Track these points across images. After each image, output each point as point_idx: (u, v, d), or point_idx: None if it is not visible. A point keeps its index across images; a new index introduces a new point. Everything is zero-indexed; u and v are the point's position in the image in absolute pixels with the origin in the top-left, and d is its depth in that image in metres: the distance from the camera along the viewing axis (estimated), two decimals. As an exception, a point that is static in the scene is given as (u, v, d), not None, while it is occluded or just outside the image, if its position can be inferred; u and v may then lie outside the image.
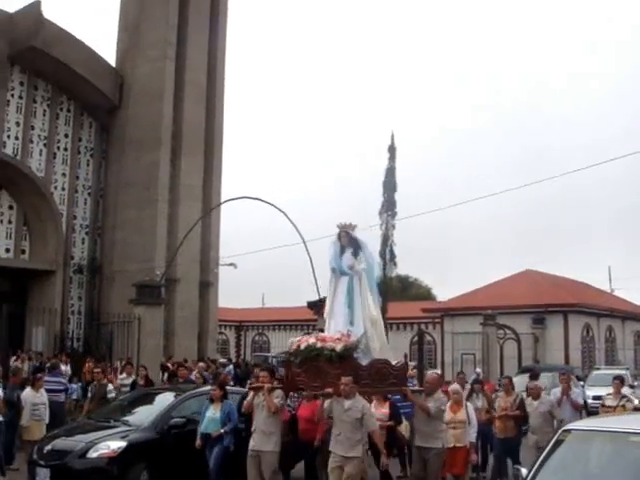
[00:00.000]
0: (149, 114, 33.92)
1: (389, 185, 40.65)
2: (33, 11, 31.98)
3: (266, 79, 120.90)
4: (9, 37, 31.91)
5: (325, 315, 11.83)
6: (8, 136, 32.44)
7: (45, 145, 33.85)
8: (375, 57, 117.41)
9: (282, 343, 39.35)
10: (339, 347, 10.36)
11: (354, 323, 11.08)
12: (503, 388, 14.15)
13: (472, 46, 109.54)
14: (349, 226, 11.75)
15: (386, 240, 40.24)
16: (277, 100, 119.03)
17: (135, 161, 33.81)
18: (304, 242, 28.34)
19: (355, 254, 11.50)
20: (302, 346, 10.78)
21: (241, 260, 36.84)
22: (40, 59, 32.30)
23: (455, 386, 13.05)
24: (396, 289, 57.85)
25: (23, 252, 33.22)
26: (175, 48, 34.82)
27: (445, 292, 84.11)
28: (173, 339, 32.81)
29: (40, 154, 33.67)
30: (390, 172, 40.84)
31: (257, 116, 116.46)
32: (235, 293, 57.40)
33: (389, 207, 40.46)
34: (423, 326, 43.82)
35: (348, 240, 11.56)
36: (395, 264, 41.11)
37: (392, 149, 41.22)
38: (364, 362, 10.74)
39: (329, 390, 10.20)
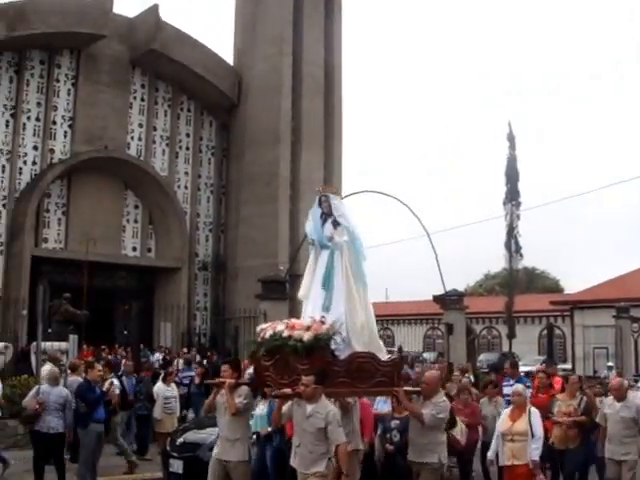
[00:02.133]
0: (268, 110, 34.01)
1: (511, 174, 39.58)
2: (151, 15, 32.69)
3: (381, 69, 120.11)
4: (130, 42, 32.78)
5: (300, 296, 9.57)
6: (132, 137, 33.26)
7: (167, 145, 34.56)
8: (492, 44, 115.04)
9: (408, 338, 38.88)
10: (307, 337, 8.36)
11: (330, 308, 8.95)
12: (568, 388, 11.93)
13: (595, 31, 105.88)
14: (329, 189, 9.89)
15: (511, 231, 39.19)
16: (393, 90, 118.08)
17: (255, 158, 33.98)
18: (428, 235, 27.83)
19: (336, 224, 9.34)
20: (267, 334, 8.88)
21: (366, 254, 36.55)
22: (160, 61, 32.95)
23: (518, 387, 10.29)
24: (522, 282, 56.33)
25: (149, 250, 33.96)
26: (291, 43, 34.77)
27: (574, 284, 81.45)
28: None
29: (163, 154, 34.39)
30: (511, 161, 39.78)
31: (374, 107, 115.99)
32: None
33: (513, 197, 39.37)
34: (552, 319, 42.47)
35: (329, 207, 9.43)
36: (521, 255, 39.99)
37: (511, 137, 40.21)
38: (343, 356, 8.74)
39: (286, 391, 8.36)
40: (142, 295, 33.35)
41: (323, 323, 8.58)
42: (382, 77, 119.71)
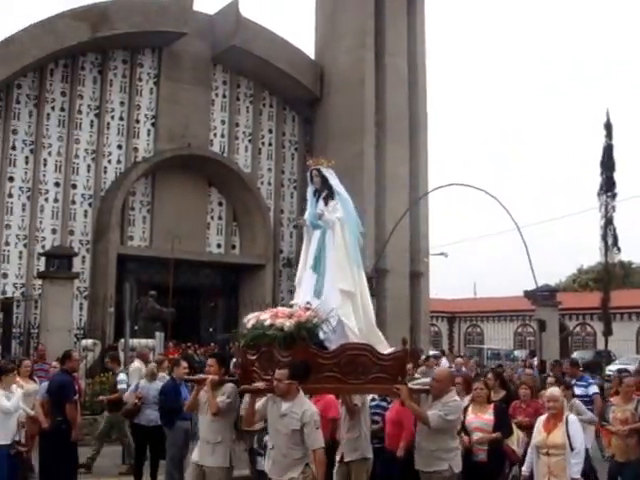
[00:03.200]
0: (351, 104, 33.50)
1: (607, 164, 38.32)
2: (231, 11, 32.60)
3: (467, 59, 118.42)
4: (210, 39, 32.80)
5: (296, 283, 8.83)
6: (215, 134, 33.29)
7: (250, 141, 34.42)
8: (588, 32, 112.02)
9: (497, 335, 37.95)
10: (288, 325, 7.51)
11: (322, 293, 8.13)
12: (622, 391, 10.73)
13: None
14: (321, 162, 8.78)
15: (607, 223, 37.93)
16: (479, 80, 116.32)
17: (339, 152, 33.41)
18: (518, 228, 27.10)
19: (328, 199, 8.45)
20: (250, 324, 8.04)
21: (451, 249, 35.91)
22: (241, 57, 32.84)
23: (554, 390, 8.62)
24: (618, 276, 54.57)
25: (233, 247, 33.84)
26: (373, 36, 34.18)
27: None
28: (384, 331, 32.01)
29: (246, 150, 34.28)
30: (608, 150, 38.49)
31: (460, 98, 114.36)
32: (446, 283, 56.37)
33: (608, 188, 38.09)
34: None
35: (320, 182, 8.56)
36: (619, 249, 38.65)
37: (608, 126, 38.91)
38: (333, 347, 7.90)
39: (259, 385, 7.64)
40: (227, 292, 33.35)
41: (308, 309, 7.79)
42: (468, 59, 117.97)
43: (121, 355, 18.61)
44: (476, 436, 8.88)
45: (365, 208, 32.42)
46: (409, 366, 10.71)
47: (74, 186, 30.20)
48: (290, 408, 7.15)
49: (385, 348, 8.40)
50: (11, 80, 29.16)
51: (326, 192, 8.62)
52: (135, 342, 21.66)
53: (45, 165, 29.79)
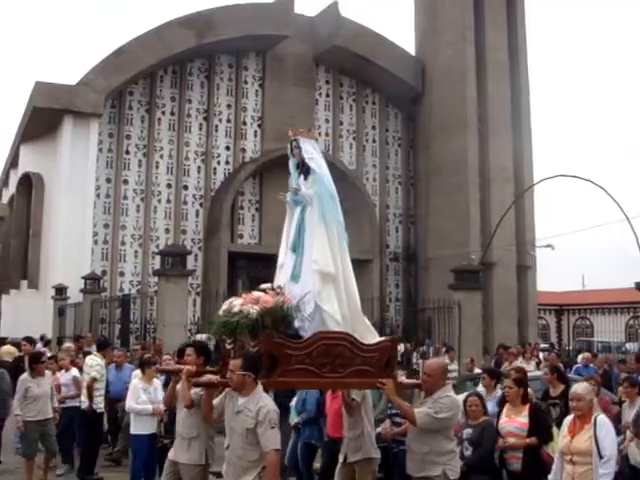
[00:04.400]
0: (453, 98, 33.52)
1: None
2: (332, 12, 33.16)
3: (569, 48, 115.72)
4: (312, 40, 33.38)
5: (278, 265, 7.85)
6: (319, 133, 33.72)
7: (354, 139, 34.92)
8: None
9: (607, 327, 37.13)
10: (252, 311, 6.73)
11: (300, 277, 7.29)
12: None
13: None
14: (300, 132, 7.98)
15: None
16: (582, 69, 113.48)
17: (443, 147, 33.60)
18: (628, 219, 26.61)
19: (307, 173, 7.70)
20: (221, 310, 7.21)
21: (558, 241, 35.41)
22: (342, 57, 33.32)
23: (579, 387, 7.07)
24: None
25: (343, 243, 34.22)
26: (473, 29, 34.13)
27: None
28: (492, 325, 32.01)
29: (350, 148, 34.80)
30: None
31: (562, 86, 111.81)
32: (554, 276, 55.32)
33: None
34: None
35: (300, 153, 7.78)
36: None
37: None
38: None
39: (211, 378, 6.99)
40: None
41: (278, 294, 6.99)
42: (570, 48, 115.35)
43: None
44: (509, 442, 7.79)
45: (469, 202, 32.48)
46: (488, 381, 9.71)
47: (185, 187, 31.34)
48: (245, 404, 6.32)
49: (374, 338, 7.42)
50: (123, 87, 30.44)
51: (306, 165, 7.80)
52: (247, 335, 22.22)
53: (157, 168, 31.00)
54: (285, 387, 7.66)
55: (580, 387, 7.02)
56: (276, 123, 32.37)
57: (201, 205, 31.41)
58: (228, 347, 7.08)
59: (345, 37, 32.73)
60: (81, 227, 28.29)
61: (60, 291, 27.61)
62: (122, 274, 29.96)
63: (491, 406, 8.88)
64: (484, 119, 33.83)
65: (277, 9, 31.79)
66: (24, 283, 31.39)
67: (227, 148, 32.20)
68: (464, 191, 32.81)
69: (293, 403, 10.22)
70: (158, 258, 27.10)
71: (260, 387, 6.42)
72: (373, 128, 35.51)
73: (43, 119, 29.67)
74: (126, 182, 30.58)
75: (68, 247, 27.97)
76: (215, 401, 6.92)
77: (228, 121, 32.40)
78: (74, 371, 12.37)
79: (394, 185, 35.78)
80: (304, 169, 7.81)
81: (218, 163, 31.96)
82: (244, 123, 32.68)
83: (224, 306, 7.12)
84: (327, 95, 34.48)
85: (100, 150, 30.01)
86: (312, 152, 7.86)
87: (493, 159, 33.54)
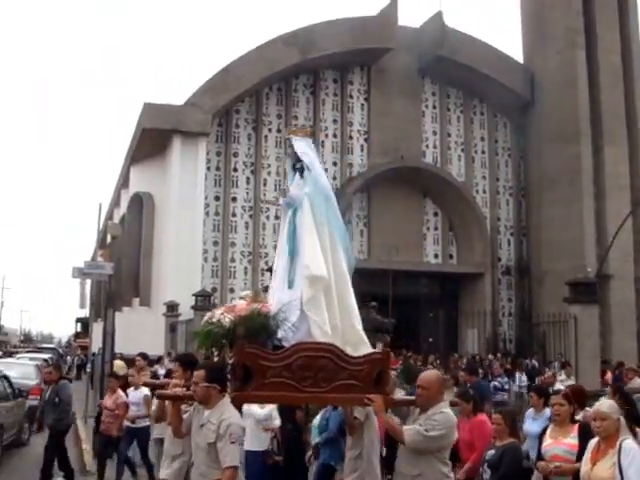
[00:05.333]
0: (564, 106, 32.47)
1: None
2: (436, 22, 32.78)
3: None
4: (417, 51, 33.02)
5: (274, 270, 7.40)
6: (427, 146, 33.41)
7: (463, 150, 34.29)
8: None
9: None
10: (226, 320, 6.35)
11: (294, 284, 6.79)
12: None
13: None
14: (293, 131, 7.60)
15: None
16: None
17: (554, 156, 32.57)
18: None
19: (301, 172, 7.19)
20: (204, 319, 6.76)
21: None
22: (448, 67, 32.79)
23: (602, 405, 6.02)
24: None
25: (451, 257, 33.73)
26: (583, 33, 33.06)
27: None
28: (610, 339, 30.74)
29: (459, 160, 34.18)
30: None
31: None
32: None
33: None
34: None
35: (293, 153, 7.42)
36: None
37: None
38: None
39: (176, 390, 6.62)
40: (446, 302, 33.15)
41: (256, 302, 6.53)
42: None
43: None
44: (556, 467, 6.75)
45: (584, 212, 31.42)
46: (536, 400, 8.88)
47: (293, 204, 31.21)
48: (208, 417, 5.97)
49: (366, 350, 6.79)
50: (230, 106, 30.68)
51: (300, 164, 7.31)
52: (360, 353, 21.82)
53: (265, 184, 31.01)
54: (258, 402, 7.13)
55: (605, 404, 6.04)
56: (383, 137, 32.17)
57: (301, 221, 31.25)
58: (215, 359, 6.71)
59: (450, 47, 32.19)
60: (191, 245, 28.54)
61: (171, 308, 27.93)
62: (232, 290, 30.00)
63: (537, 426, 8.19)
64: (597, 126, 32.66)
65: (380, 22, 31.61)
66: (136, 301, 31.86)
67: (334, 163, 32.01)
68: (578, 201, 31.69)
69: (316, 422, 9.59)
70: (267, 274, 27.13)
71: (226, 399, 6.05)
72: (482, 139, 34.78)
73: (152, 140, 30.13)
74: (234, 199, 30.73)
75: (179, 264, 28.24)
76: (185, 415, 6.46)
77: (334, 136, 32.29)
78: (144, 389, 11.80)
79: (505, 197, 34.90)
80: (299, 168, 7.29)
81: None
82: (350, 137, 32.48)
83: (206, 316, 6.71)
84: (434, 107, 33.99)
85: (208, 168, 30.29)
86: (305, 149, 7.34)
87: (608, 167, 32.35)
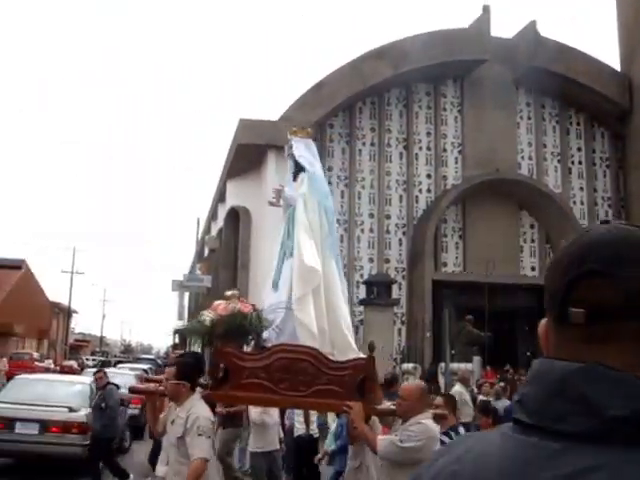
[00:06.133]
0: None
1: None
2: (530, 32, 32.35)
3: None
4: (511, 62, 32.62)
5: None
6: (522, 157, 33.00)
7: (559, 161, 33.69)
8: None
9: None
10: (207, 319, 6.61)
11: (279, 284, 6.87)
12: None
13: None
14: (293, 131, 7.24)
15: None
16: None
17: (655, 166, 31.78)
18: None
19: (297, 174, 7.08)
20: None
21: None
22: (543, 77, 32.16)
23: None
24: None
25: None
26: (684, 37, 32.21)
27: None
28: None
29: (555, 171, 33.60)
30: None
31: None
32: None
33: None
34: None
35: (291, 155, 7.26)
36: None
37: None
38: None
39: (149, 386, 6.59)
40: (543, 315, 32.46)
41: (238, 301, 6.38)
42: None
43: (441, 379, 18.72)
44: None
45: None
46: None
47: (388, 216, 31.32)
48: (178, 412, 6.00)
49: (353, 355, 6.82)
50: (323, 121, 30.91)
51: (298, 165, 7.11)
52: (455, 366, 21.73)
53: (359, 198, 31.18)
54: (233, 402, 6.97)
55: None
56: (477, 149, 31.95)
57: (404, 234, 31.29)
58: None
59: (545, 56, 31.70)
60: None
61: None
62: (328, 303, 30.22)
63: None
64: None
65: (473, 33, 31.44)
66: (234, 313, 32.24)
67: (428, 176, 31.95)
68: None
69: (332, 429, 9.51)
70: (362, 287, 27.15)
71: (196, 395, 6.06)
72: (578, 149, 34.09)
73: (247, 155, 30.60)
74: (329, 213, 30.91)
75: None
76: (162, 414, 6.46)
77: (428, 149, 32.21)
78: None
79: (603, 208, 34.10)
80: (296, 169, 7.19)
81: (420, 191, 31.77)
82: (444, 150, 32.37)
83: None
84: (528, 118, 33.55)
85: (303, 182, 30.54)
86: (303, 151, 7.50)
87: None
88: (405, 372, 23.48)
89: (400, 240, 31.25)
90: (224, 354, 6.22)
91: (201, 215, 44.68)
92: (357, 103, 31.85)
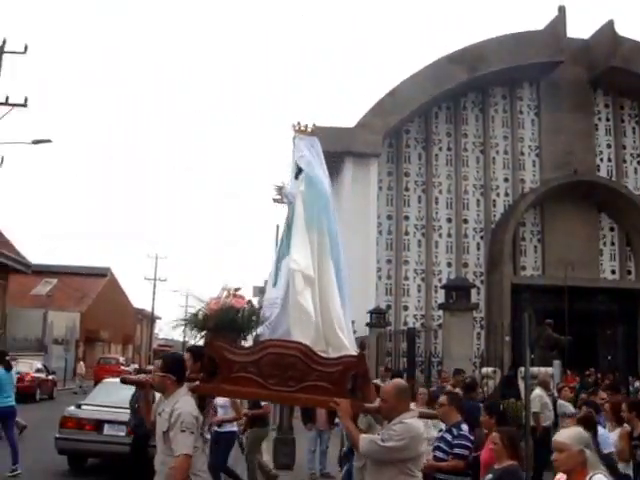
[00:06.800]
0: None
1: None
2: (607, 31, 32.07)
3: None
4: (587, 62, 32.51)
5: None
6: (601, 159, 32.73)
7: (639, 163, 33.18)
8: None
9: None
10: (200, 313, 6.40)
11: (277, 283, 6.77)
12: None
13: None
14: (298, 130, 7.16)
15: None
16: None
17: None
18: None
19: (298, 172, 7.00)
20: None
21: None
22: (621, 77, 31.93)
23: (562, 434, 4.89)
24: None
25: (629, 273, 32.69)
26: None
27: None
28: None
29: (635, 172, 33.24)
30: None
31: None
32: None
33: None
34: None
35: (293, 152, 7.23)
36: None
37: None
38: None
39: (140, 377, 6.60)
40: (625, 319, 32.09)
41: (235, 297, 6.43)
42: None
43: (520, 383, 18.72)
44: None
45: None
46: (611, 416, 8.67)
47: (465, 221, 31.43)
48: (164, 406, 6.04)
49: (341, 351, 6.51)
50: (399, 127, 31.22)
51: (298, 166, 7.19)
52: (535, 370, 21.65)
53: (437, 203, 31.39)
54: (223, 395, 6.95)
55: (564, 433, 4.93)
56: (555, 151, 31.82)
57: (482, 238, 31.35)
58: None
59: (623, 56, 31.40)
60: (365, 263, 29.03)
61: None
62: (406, 308, 30.46)
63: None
64: None
65: (549, 35, 31.36)
66: (311, 319, 32.69)
67: (505, 179, 31.95)
68: None
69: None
70: (440, 292, 27.30)
71: (183, 389, 6.10)
72: (662, 150, 33.60)
73: (325, 161, 30.94)
74: (407, 218, 31.23)
75: (353, 283, 28.62)
76: (155, 404, 6.43)
77: (505, 152, 32.20)
78: None
79: (684, 210, 33.50)
80: (298, 168, 7.18)
81: (497, 195, 31.78)
82: (522, 153, 32.30)
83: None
84: (607, 119, 33.20)
85: (380, 188, 30.92)
86: (303, 150, 7.21)
87: None
88: (485, 376, 23.45)
89: (478, 244, 31.32)
90: (215, 348, 6.21)
91: (280, 221, 45.23)
92: (433, 108, 32.05)
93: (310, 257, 6.68)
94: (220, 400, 11.08)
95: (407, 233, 31.17)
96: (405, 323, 30.19)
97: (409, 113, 30.75)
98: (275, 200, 7.29)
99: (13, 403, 14.04)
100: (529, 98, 32.89)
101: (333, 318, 6.72)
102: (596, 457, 4.76)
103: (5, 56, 35.51)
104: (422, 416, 6.26)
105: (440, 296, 27.81)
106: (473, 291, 28.75)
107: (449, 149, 31.95)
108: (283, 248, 6.96)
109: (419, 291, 30.93)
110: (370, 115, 30.12)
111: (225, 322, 6.33)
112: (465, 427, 7.91)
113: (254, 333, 6.50)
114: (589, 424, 6.57)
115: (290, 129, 7.27)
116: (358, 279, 28.73)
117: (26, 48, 36.06)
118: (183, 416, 5.82)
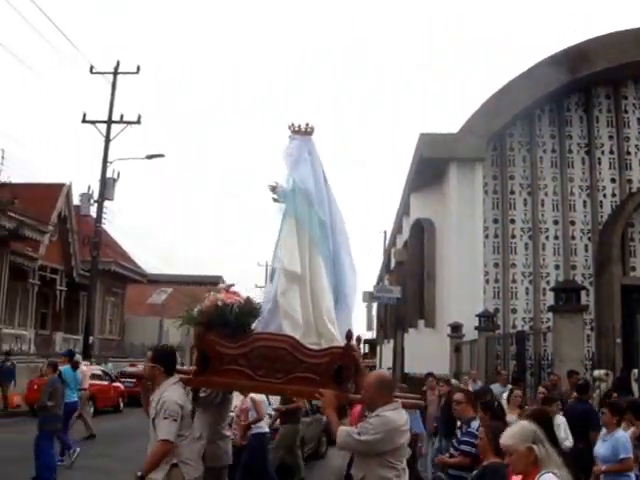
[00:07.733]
0: None
1: None
2: None
3: None
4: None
5: None
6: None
7: None
8: None
9: None
10: (196, 310, 6.63)
11: (274, 278, 6.95)
12: None
13: None
14: (294, 129, 7.31)
15: None
16: None
17: None
18: None
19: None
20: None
21: None
22: None
23: (511, 431, 4.85)
24: None
25: None
26: None
27: None
28: None
29: None
30: None
31: None
32: None
33: None
34: None
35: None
36: None
37: None
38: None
39: (139, 369, 6.99)
40: None
41: (227, 292, 6.73)
42: None
43: (634, 385, 18.77)
44: None
45: None
46: (608, 418, 8.88)
47: (572, 222, 31.33)
48: (153, 396, 6.35)
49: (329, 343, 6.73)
50: (503, 130, 31.38)
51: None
52: (649, 371, 21.59)
53: (543, 205, 31.39)
54: (214, 387, 7.07)
55: (507, 433, 4.80)
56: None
57: (589, 239, 31.17)
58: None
59: None
60: (472, 267, 29.34)
61: (455, 329, 28.96)
62: (514, 311, 30.62)
63: (605, 449, 8.13)
64: None
65: (653, 32, 30.88)
66: (421, 322, 33.15)
67: (612, 180, 31.65)
68: None
69: None
70: (549, 294, 27.38)
71: (171, 380, 6.36)
72: None
73: (429, 168, 31.45)
74: (513, 221, 31.36)
75: (460, 287, 29.18)
76: (151, 397, 6.62)
77: (611, 152, 31.89)
78: (256, 396, 10.99)
79: None
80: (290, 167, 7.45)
81: (604, 196, 31.53)
82: (628, 153, 31.90)
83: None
84: None
85: (485, 192, 31.12)
86: (293, 150, 7.43)
87: None
88: (597, 379, 23.46)
89: (586, 246, 31.17)
90: (206, 341, 6.49)
91: (387, 227, 45.72)
92: (535, 110, 32.04)
93: (297, 253, 6.92)
94: (247, 403, 11.40)
95: (514, 236, 31.29)
96: (514, 326, 30.30)
97: (512, 116, 30.89)
98: (275, 200, 7.50)
99: (76, 399, 16.99)
100: (634, 96, 32.41)
101: (322, 310, 6.96)
102: (549, 452, 4.61)
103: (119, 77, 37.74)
104: (406, 406, 6.31)
105: (548, 299, 27.84)
106: (582, 293, 28.76)
107: (553, 151, 31.90)
108: (277, 243, 7.28)
109: (527, 294, 30.99)
110: (474, 120, 30.33)
111: (214, 317, 6.62)
112: (474, 424, 8.03)
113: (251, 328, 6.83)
114: (542, 419, 6.39)
115: (288, 129, 7.54)
116: (466, 283, 29.15)
117: (138, 68, 38.35)
118: (167, 404, 6.13)
